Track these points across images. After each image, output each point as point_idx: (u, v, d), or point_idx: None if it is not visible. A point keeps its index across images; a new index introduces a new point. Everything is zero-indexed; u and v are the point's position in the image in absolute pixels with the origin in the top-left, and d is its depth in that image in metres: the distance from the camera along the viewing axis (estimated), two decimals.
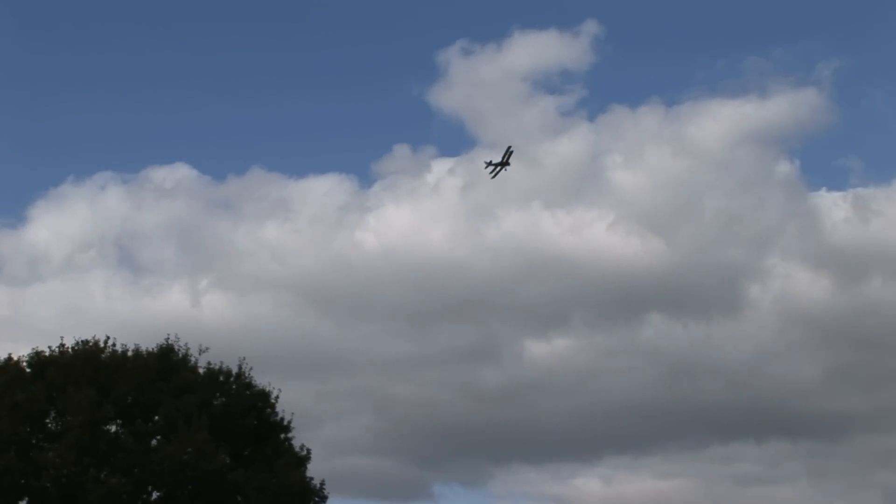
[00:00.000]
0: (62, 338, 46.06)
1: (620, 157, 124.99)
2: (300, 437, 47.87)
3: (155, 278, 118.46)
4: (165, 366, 45.95)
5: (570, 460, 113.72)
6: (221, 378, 46.95)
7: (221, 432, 44.30)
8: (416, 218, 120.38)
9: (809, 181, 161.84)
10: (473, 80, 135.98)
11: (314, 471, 47.26)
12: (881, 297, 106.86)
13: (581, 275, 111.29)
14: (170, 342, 47.06)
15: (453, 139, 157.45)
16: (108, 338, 46.33)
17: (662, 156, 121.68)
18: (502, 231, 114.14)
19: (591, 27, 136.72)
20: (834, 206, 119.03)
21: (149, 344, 46.94)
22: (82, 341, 46.02)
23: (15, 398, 42.71)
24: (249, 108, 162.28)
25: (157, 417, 44.65)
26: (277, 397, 47.74)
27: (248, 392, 47.16)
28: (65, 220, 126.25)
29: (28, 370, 45.18)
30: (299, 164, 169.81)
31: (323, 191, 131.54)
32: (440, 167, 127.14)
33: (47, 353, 45.63)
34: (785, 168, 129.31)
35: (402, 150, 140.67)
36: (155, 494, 43.87)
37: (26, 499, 42.54)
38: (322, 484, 46.86)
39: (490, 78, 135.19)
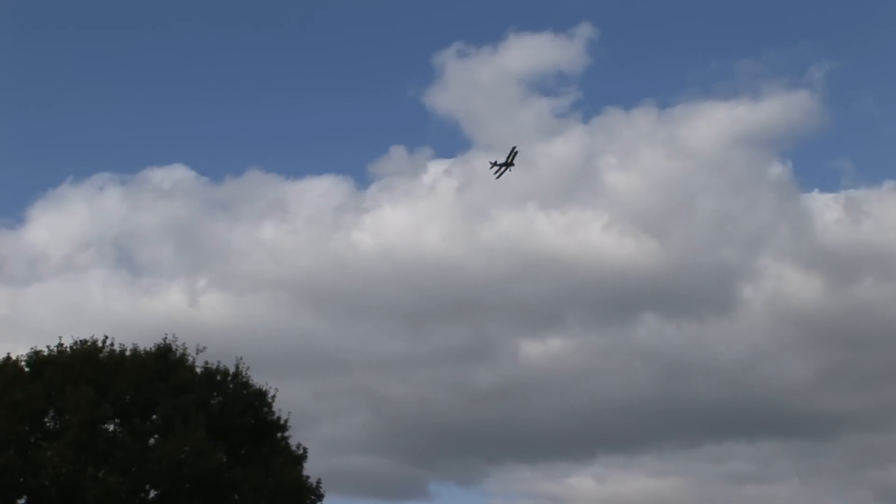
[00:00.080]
0: (61, 337, 46.41)
1: (614, 159, 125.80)
2: (297, 436, 48.23)
3: (153, 278, 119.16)
4: (163, 365, 46.18)
5: (564, 459, 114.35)
6: (219, 377, 47.15)
7: (218, 431, 44.53)
8: (412, 218, 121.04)
9: (801, 183, 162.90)
10: (469, 82, 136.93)
11: (310, 469, 47.56)
12: (872, 298, 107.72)
13: (575, 275, 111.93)
14: (167, 342, 47.33)
15: (449, 141, 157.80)
16: (107, 337, 46.71)
17: (656, 157, 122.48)
18: (497, 231, 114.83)
19: (585, 30, 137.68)
20: (826, 208, 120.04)
21: (147, 343, 47.29)
22: (81, 341, 46.29)
23: (14, 397, 42.94)
24: (247, 110, 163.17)
25: (154, 416, 44.90)
26: (274, 396, 48.03)
27: (245, 391, 47.37)
28: (63, 221, 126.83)
29: (27, 369, 45.38)
30: (296, 165, 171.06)
31: (320, 192, 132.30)
32: (436, 168, 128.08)
33: (46, 353, 45.85)
34: (777, 170, 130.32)
35: (398, 152, 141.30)
36: (152, 493, 44.03)
37: (25, 497, 42.79)
38: (318, 482, 47.08)
39: (486, 80, 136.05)
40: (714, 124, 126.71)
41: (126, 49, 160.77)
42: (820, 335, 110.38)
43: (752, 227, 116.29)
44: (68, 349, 45.96)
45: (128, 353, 46.40)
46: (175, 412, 43.88)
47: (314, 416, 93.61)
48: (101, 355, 45.88)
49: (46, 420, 44.19)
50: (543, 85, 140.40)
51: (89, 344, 46.20)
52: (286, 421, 47.80)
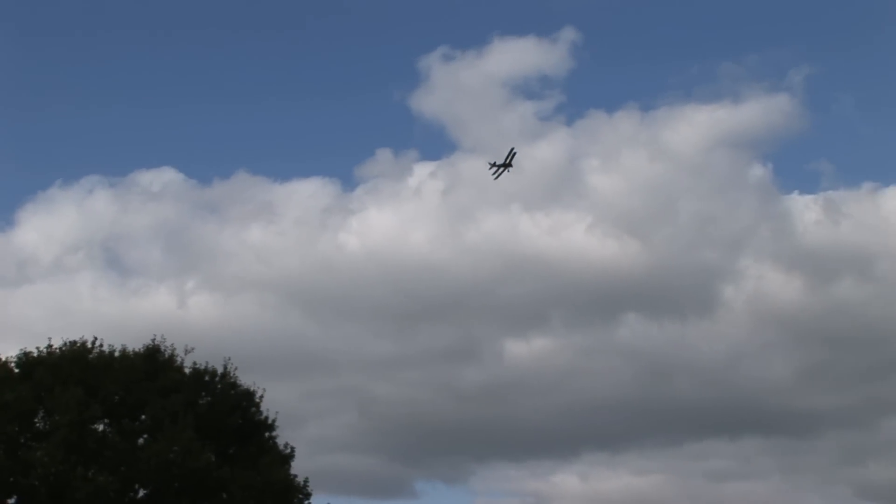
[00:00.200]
0: (50, 338, 46.51)
1: (597, 161, 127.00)
2: (284, 436, 48.51)
3: (142, 280, 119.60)
4: (152, 366, 46.41)
5: (549, 457, 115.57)
6: (207, 378, 47.39)
7: (207, 431, 44.79)
8: (398, 220, 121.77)
9: (782, 185, 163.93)
10: (454, 86, 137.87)
11: (298, 468, 47.82)
12: (851, 298, 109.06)
13: (559, 276, 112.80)
14: (156, 343, 47.48)
15: (434, 143, 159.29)
16: (96, 338, 46.83)
17: (638, 160, 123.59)
18: (482, 233, 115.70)
19: (569, 34, 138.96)
20: (805, 209, 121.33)
21: (135, 344, 47.45)
22: (70, 342, 46.42)
23: (3, 398, 43.12)
24: (234, 114, 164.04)
25: (143, 416, 45.14)
26: (262, 396, 48.28)
27: (233, 391, 47.61)
28: (53, 223, 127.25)
29: (16, 370, 45.53)
30: (284, 167, 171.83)
31: (307, 194, 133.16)
32: (422, 171, 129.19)
33: (35, 354, 45.97)
34: (758, 172, 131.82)
35: (384, 154, 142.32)
36: (141, 492, 44.28)
37: (15, 496, 43.01)
38: (306, 481, 47.31)
39: (470, 83, 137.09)
40: (696, 127, 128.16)
41: (115, 53, 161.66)
42: (800, 335, 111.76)
43: (733, 229, 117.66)
44: (58, 350, 46.12)
45: (117, 353, 46.59)
46: (164, 412, 44.15)
47: (302, 416, 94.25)
48: (91, 356, 46.09)
49: (36, 420, 44.37)
50: (527, 88, 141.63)
51: (79, 345, 46.37)
52: (274, 421, 48.12)
